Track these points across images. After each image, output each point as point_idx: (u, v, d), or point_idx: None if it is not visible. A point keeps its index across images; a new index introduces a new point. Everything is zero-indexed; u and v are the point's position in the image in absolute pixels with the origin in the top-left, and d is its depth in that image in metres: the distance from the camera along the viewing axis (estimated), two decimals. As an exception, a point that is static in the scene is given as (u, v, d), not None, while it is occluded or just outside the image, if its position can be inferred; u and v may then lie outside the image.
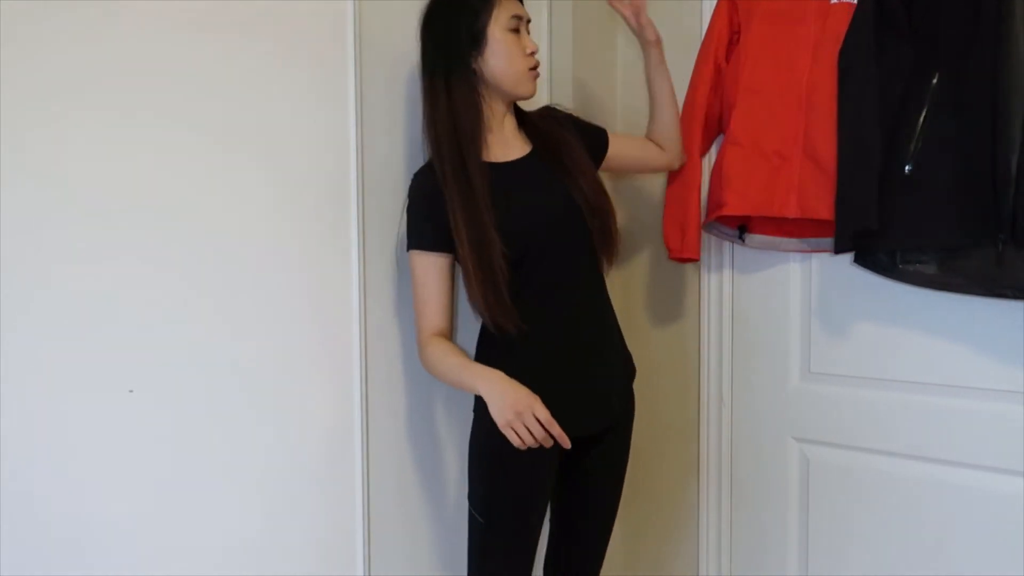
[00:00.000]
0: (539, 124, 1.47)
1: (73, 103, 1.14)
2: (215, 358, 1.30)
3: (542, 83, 1.82)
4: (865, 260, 1.51)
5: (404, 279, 1.58)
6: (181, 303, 1.25)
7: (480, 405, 1.38)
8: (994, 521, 1.48)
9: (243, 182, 1.33)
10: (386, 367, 1.55)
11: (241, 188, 1.32)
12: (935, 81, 1.38)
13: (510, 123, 1.44)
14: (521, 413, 1.25)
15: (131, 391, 1.20)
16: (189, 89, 1.25)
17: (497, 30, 1.34)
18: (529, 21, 1.41)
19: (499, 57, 1.34)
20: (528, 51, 1.36)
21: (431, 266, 1.38)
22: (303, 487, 1.43)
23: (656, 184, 1.93)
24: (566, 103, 1.88)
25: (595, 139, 1.55)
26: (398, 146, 1.56)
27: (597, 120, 1.64)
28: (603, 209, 1.41)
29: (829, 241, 1.60)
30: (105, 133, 1.17)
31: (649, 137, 1.67)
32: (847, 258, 1.58)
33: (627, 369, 1.54)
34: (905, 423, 1.58)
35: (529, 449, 1.29)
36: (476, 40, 1.34)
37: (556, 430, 1.26)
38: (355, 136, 1.47)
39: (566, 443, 1.28)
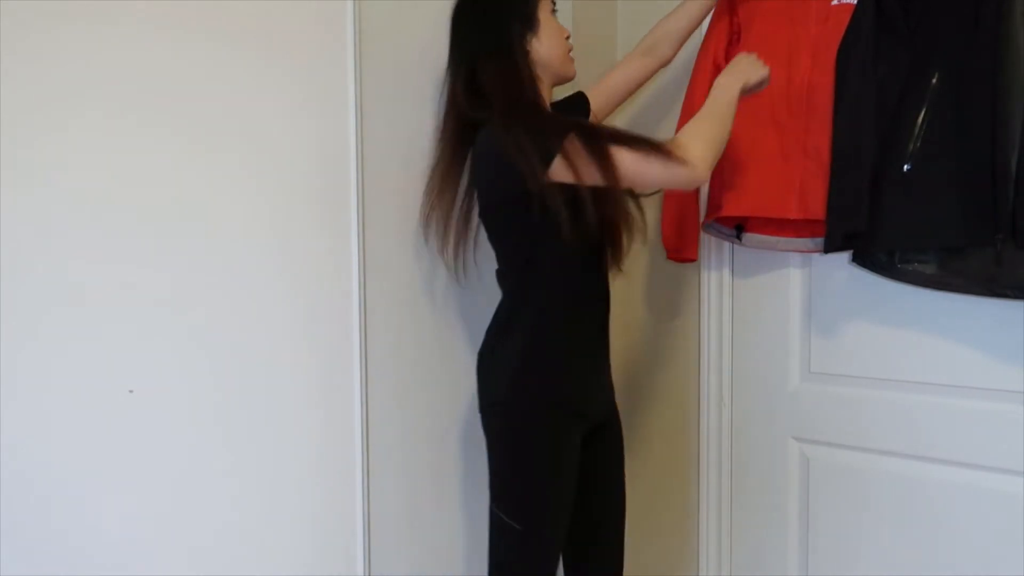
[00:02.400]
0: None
1: (73, 106, 1.14)
2: (215, 358, 1.30)
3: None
4: (863, 260, 1.50)
5: (403, 276, 1.58)
6: (181, 303, 1.25)
7: (512, 409, 1.36)
8: (994, 521, 1.48)
9: (242, 183, 1.33)
10: (386, 366, 1.55)
11: (241, 188, 1.33)
12: (934, 81, 1.37)
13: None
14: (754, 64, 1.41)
15: (131, 391, 1.20)
16: (188, 90, 1.25)
17: (543, 13, 1.40)
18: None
19: (549, 38, 1.40)
20: (566, 34, 1.42)
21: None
22: (303, 487, 1.43)
23: (656, 184, 1.93)
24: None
25: (583, 108, 1.59)
26: (398, 146, 1.56)
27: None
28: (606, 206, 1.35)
29: None
30: (104, 135, 1.17)
31: (640, 48, 1.67)
32: (847, 258, 1.58)
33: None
34: (905, 423, 1.58)
35: (562, 446, 1.34)
36: (530, 22, 1.38)
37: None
38: (355, 136, 1.47)
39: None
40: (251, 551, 1.36)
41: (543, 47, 1.40)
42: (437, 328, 1.64)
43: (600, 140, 1.26)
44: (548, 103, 1.47)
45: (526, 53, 1.39)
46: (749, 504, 1.83)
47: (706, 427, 1.88)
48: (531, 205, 1.28)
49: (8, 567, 1.10)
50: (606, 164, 1.24)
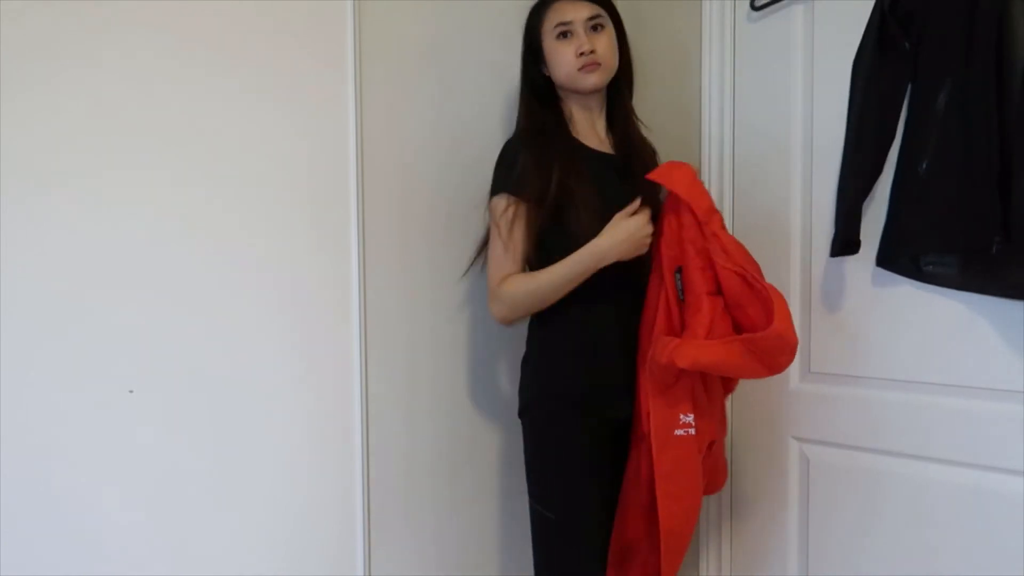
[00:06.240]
0: (632, 139, 1.56)
1: (71, 104, 1.14)
2: (215, 358, 1.30)
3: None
4: (890, 265, 1.54)
5: (403, 276, 1.58)
6: (181, 304, 1.26)
7: (538, 401, 1.48)
8: (994, 521, 1.48)
9: (242, 183, 1.33)
10: (386, 367, 1.55)
11: (240, 189, 1.33)
12: (942, 94, 1.40)
13: (600, 123, 1.56)
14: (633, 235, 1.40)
15: (131, 391, 1.20)
16: (187, 90, 1.25)
17: (546, 41, 1.48)
18: (593, 21, 1.46)
19: (552, 64, 1.49)
20: (578, 51, 1.44)
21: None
22: (303, 486, 1.43)
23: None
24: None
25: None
26: (398, 146, 1.57)
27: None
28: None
29: None
30: (102, 132, 1.17)
31: None
32: (847, 258, 1.59)
33: None
34: (905, 423, 1.58)
35: (572, 439, 1.43)
36: (537, 54, 1.50)
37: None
38: (355, 137, 1.47)
39: None
40: (251, 551, 1.36)
41: (553, 73, 1.49)
42: (437, 329, 1.64)
43: (500, 223, 1.43)
44: (592, 115, 1.54)
45: (545, 79, 1.51)
46: (749, 504, 1.83)
47: (706, 427, 1.88)
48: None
49: (8, 566, 1.10)
50: (490, 243, 1.45)
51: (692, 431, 1.40)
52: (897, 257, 1.52)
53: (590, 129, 1.54)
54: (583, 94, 1.50)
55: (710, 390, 1.46)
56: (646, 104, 1.94)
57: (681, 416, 1.40)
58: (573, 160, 1.44)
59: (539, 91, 1.51)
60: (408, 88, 1.58)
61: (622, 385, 1.48)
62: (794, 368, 1.74)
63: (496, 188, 1.46)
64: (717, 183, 1.82)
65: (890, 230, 1.51)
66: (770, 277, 1.75)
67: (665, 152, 1.76)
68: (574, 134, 1.52)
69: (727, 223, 1.80)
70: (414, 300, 1.61)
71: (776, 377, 1.75)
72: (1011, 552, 1.46)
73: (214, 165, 1.29)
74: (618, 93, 1.56)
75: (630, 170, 1.50)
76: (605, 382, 1.47)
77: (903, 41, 1.44)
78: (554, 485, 1.47)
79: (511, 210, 1.42)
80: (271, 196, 1.37)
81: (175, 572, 1.26)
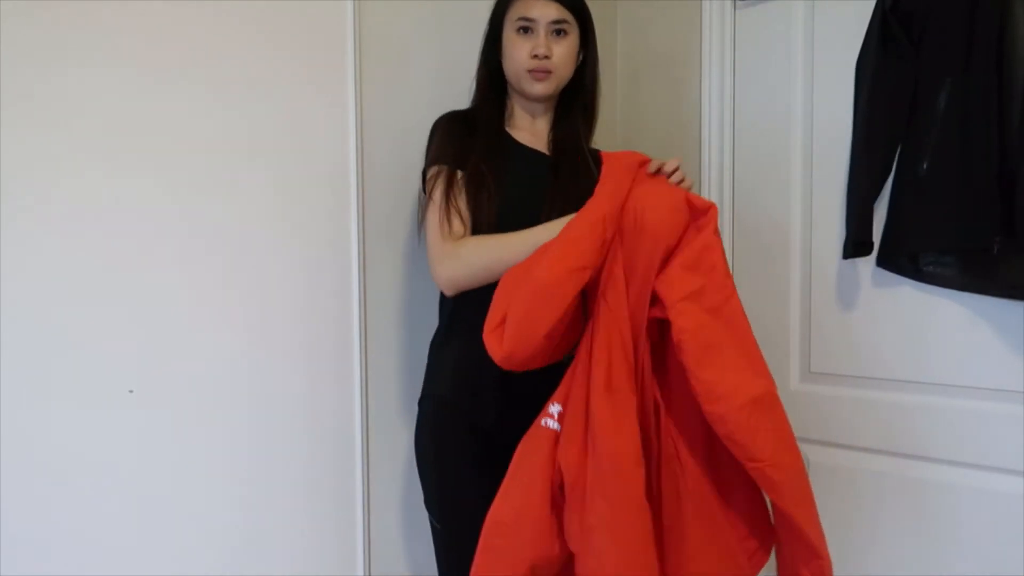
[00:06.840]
0: (568, 144, 1.46)
1: (69, 104, 1.14)
2: (215, 358, 1.30)
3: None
4: (889, 264, 1.54)
5: (403, 277, 1.58)
6: (181, 303, 1.26)
7: (421, 407, 1.43)
8: (994, 521, 1.48)
9: (243, 182, 1.33)
10: (387, 366, 1.55)
11: (241, 188, 1.33)
12: (943, 94, 1.41)
13: (543, 124, 1.49)
14: None
15: (131, 391, 1.20)
16: (189, 89, 1.25)
17: (506, 31, 1.42)
18: (557, 24, 1.38)
19: (505, 56, 1.43)
20: (532, 52, 1.37)
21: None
22: (303, 486, 1.43)
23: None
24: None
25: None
26: (398, 145, 1.56)
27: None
28: None
29: None
30: (102, 133, 1.17)
31: None
32: (847, 259, 1.59)
33: None
34: (905, 423, 1.58)
35: (469, 448, 1.35)
36: (496, 39, 1.44)
37: None
38: (355, 136, 1.47)
39: None
40: (251, 551, 1.36)
41: (504, 64, 1.44)
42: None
43: (435, 192, 1.36)
44: (534, 115, 1.48)
45: (498, 64, 1.45)
46: (749, 504, 1.82)
47: (706, 427, 1.87)
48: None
49: (8, 567, 1.10)
50: (423, 211, 1.40)
51: (553, 424, 1.22)
52: (896, 257, 1.53)
53: (527, 127, 1.48)
54: (527, 98, 1.45)
55: (611, 399, 1.19)
56: (646, 104, 1.94)
57: (551, 405, 1.24)
58: (492, 151, 1.39)
59: (492, 77, 1.46)
60: (408, 88, 1.58)
61: (492, 390, 1.34)
62: (794, 368, 1.74)
63: (424, 169, 1.42)
64: (717, 183, 1.82)
65: (890, 229, 1.52)
66: (771, 277, 1.77)
67: (665, 152, 1.76)
68: (508, 127, 1.47)
69: (727, 223, 1.81)
70: (415, 299, 1.60)
71: (776, 377, 1.74)
72: (1011, 552, 1.46)
73: (214, 166, 1.29)
74: (569, 104, 1.48)
75: (560, 171, 1.42)
76: (474, 383, 1.36)
77: (904, 41, 1.44)
78: (433, 492, 1.38)
79: (433, 174, 1.37)
80: (271, 197, 1.37)
81: (174, 572, 1.26)
